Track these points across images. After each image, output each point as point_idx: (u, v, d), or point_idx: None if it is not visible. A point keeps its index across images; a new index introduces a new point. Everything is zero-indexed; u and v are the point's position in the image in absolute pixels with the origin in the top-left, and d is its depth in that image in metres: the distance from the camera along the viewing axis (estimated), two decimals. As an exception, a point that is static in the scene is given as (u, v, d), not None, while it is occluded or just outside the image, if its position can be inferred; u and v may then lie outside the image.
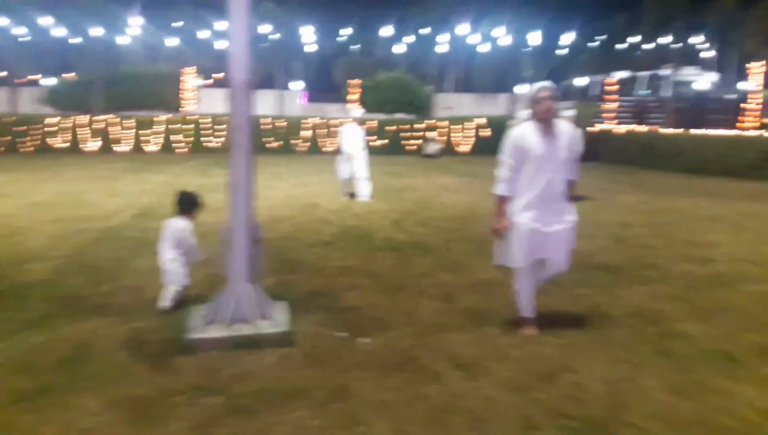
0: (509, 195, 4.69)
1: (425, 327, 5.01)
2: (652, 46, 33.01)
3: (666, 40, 32.03)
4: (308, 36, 31.69)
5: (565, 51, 35.02)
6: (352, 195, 12.18)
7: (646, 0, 29.40)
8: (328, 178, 14.42)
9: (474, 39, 30.56)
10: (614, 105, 23.64)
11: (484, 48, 31.68)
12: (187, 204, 5.55)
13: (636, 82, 27.87)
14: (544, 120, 4.58)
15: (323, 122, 24.72)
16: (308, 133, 24.55)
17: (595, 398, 3.76)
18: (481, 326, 5.02)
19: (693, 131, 18.87)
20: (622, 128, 21.23)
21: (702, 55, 30.78)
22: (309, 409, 3.63)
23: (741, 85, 28.45)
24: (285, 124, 24.47)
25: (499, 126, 24.47)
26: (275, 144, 24.02)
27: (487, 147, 24.40)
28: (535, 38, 31.58)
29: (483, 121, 25.34)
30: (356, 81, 28.33)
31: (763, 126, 17.86)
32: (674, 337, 4.78)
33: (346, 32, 35.03)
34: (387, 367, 4.22)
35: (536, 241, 4.65)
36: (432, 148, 24.07)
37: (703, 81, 28.04)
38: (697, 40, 31.62)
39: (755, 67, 19.43)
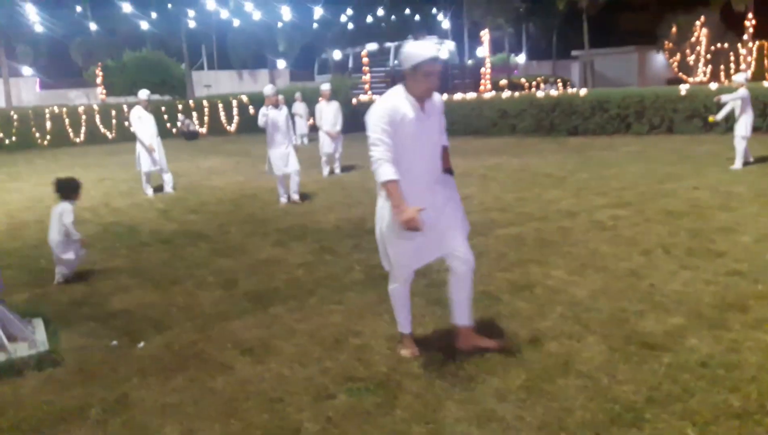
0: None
1: (207, 319, 4.79)
2: (396, 18, 35.17)
3: (408, 11, 34.35)
4: (33, 15, 27.93)
5: (318, 25, 35.69)
6: (156, 189, 11.00)
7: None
8: (79, 173, 12.99)
9: (226, 13, 29.59)
10: (368, 76, 24.75)
11: (238, 23, 30.87)
12: (65, 188, 6.02)
13: (387, 54, 29.50)
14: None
15: (67, 110, 22.18)
16: (49, 125, 21.84)
17: (379, 357, 3.94)
18: (266, 308, 4.95)
19: (443, 97, 20.54)
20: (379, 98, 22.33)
21: (441, 24, 33.63)
22: (87, 429, 3.27)
23: (479, 52, 31.70)
24: (14, 115, 21.41)
25: (261, 102, 24.16)
26: (7, 140, 20.99)
27: (252, 125, 24.04)
28: (286, 12, 31.63)
29: (245, 98, 24.85)
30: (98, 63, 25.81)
31: (500, 88, 20.23)
32: (441, 286, 5.17)
33: (81, 9, 31.51)
34: (169, 368, 3.96)
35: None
36: (187, 125, 22.97)
37: (443, 49, 30.67)
38: (434, 11, 34.39)
39: (484, 34, 21.73)
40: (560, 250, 6.07)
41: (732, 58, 30.31)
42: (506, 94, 19.18)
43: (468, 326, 3.97)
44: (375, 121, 3.52)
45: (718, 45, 30.23)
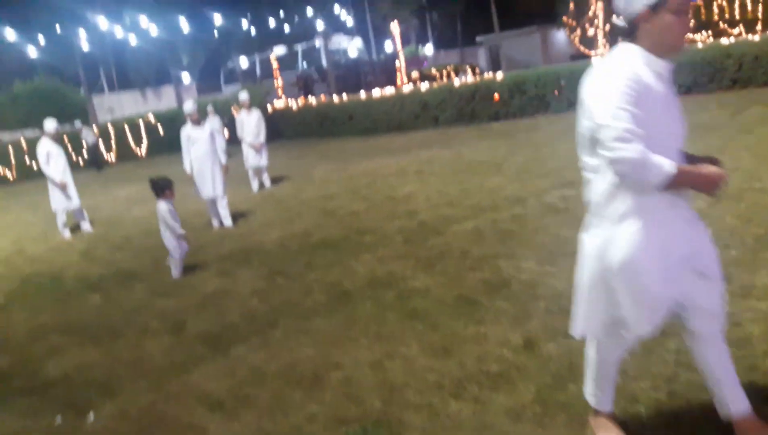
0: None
1: (160, 373, 4.24)
2: (299, 19, 34.55)
3: (311, 11, 33.78)
4: None
5: (219, 33, 34.61)
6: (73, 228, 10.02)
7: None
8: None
9: (121, 32, 28.08)
10: (280, 81, 24.14)
11: (135, 40, 29.38)
12: (157, 188, 6.48)
13: (295, 56, 28.95)
14: None
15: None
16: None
17: (368, 390, 3.54)
18: (226, 350, 4.44)
19: (361, 95, 20.27)
20: (296, 103, 21.83)
21: (346, 22, 33.31)
22: None
23: (388, 47, 31.59)
24: None
25: (170, 122, 23.04)
26: None
27: (164, 145, 22.83)
28: (185, 25, 30.44)
29: (152, 118, 23.61)
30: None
31: (413, 80, 20.11)
32: (412, 296, 4.86)
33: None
34: (129, 441, 3.42)
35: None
36: (85, 136, 21.56)
37: (351, 47, 30.41)
38: (336, 9, 33.98)
39: (395, 27, 21.58)
40: (523, 240, 5.86)
41: (627, 29, 31.53)
42: (425, 85, 19.09)
43: (746, 413, 2.58)
44: (616, 102, 2.18)
45: (614, 17, 31.39)
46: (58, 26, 26.41)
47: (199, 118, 8.72)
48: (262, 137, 11.51)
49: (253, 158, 11.54)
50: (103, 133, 22.85)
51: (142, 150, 23.37)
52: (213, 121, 16.52)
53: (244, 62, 30.24)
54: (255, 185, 11.61)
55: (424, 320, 4.33)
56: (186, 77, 34.66)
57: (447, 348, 3.86)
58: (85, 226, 10.07)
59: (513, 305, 4.40)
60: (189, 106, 8.68)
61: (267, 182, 11.81)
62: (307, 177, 12.11)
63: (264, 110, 19.66)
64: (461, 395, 3.32)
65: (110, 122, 23.90)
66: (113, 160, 22.72)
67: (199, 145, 8.55)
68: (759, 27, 26.56)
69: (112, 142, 22.91)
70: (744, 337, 3.46)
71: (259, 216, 9.13)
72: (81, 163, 21.81)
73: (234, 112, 11.16)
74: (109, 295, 6.29)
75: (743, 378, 3.06)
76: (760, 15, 28.46)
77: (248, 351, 4.38)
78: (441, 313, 4.42)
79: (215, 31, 34.57)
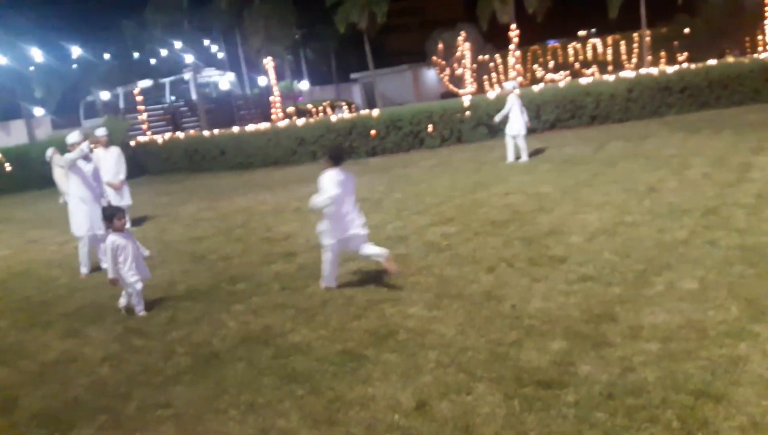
0: None
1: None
2: (167, 52, 33.09)
3: (179, 45, 32.48)
4: None
5: (78, 66, 32.33)
6: None
7: (150, 7, 29.03)
8: None
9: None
10: (145, 115, 22.77)
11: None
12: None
13: (162, 90, 27.55)
14: None
15: None
16: None
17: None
18: (66, 432, 3.69)
19: (234, 129, 19.50)
20: (161, 137, 20.61)
21: (217, 56, 32.35)
22: None
23: (262, 81, 30.93)
24: None
25: (21, 157, 20.93)
26: None
27: (11, 183, 20.63)
28: (38, 55, 28.09)
29: (-2, 155, 21.27)
30: None
31: (288, 115, 19.64)
32: (292, 353, 4.37)
33: None
34: None
35: None
36: None
37: (223, 80, 29.51)
38: (207, 42, 32.99)
39: (268, 62, 21.11)
40: (407, 281, 5.57)
41: (492, 68, 33.35)
42: (301, 121, 18.71)
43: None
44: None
45: (480, 57, 33.05)
46: None
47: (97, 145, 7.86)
48: (123, 175, 10.54)
49: (113, 198, 10.49)
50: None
51: (-14, 189, 20.92)
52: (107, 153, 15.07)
53: (105, 95, 28.31)
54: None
55: (304, 383, 3.85)
56: (39, 111, 31.87)
57: (331, 417, 3.41)
58: None
59: (401, 358, 4.05)
60: (73, 136, 7.79)
61: (127, 224, 10.76)
62: (174, 216, 11.20)
63: (126, 145, 18.36)
64: (349, 476, 2.88)
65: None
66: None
67: (88, 177, 7.65)
68: (610, 68, 28.99)
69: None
70: (639, 384, 3.33)
71: (117, 263, 8.17)
72: None
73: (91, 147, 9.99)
74: None
75: (644, 431, 2.89)
76: (609, 57, 31.13)
77: (95, 432, 3.67)
78: (324, 372, 3.96)
79: (74, 63, 32.31)
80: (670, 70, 15.71)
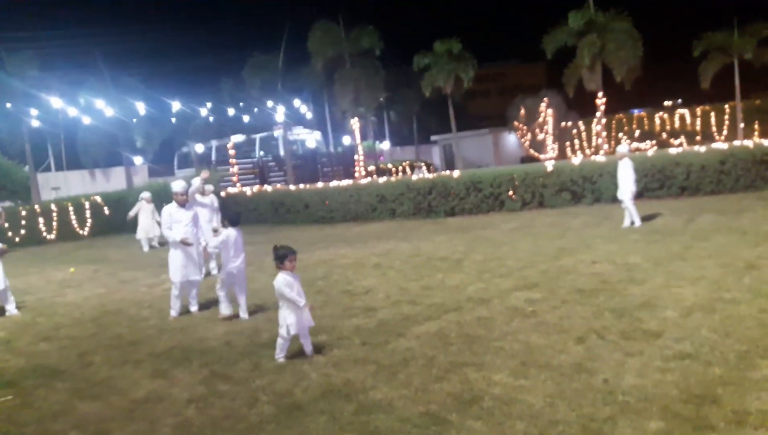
0: None
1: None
2: (258, 110, 34.81)
3: (271, 103, 34.15)
4: None
5: (176, 119, 34.49)
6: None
7: (248, 67, 30.82)
8: None
9: (74, 111, 27.48)
10: (235, 168, 23.91)
11: (88, 120, 28.78)
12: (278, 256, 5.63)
13: (253, 145, 28.88)
14: None
15: None
16: None
17: None
18: (153, 472, 3.78)
19: (318, 185, 20.13)
20: (250, 190, 21.52)
21: (306, 115, 33.70)
22: None
23: (345, 140, 31.93)
24: None
25: (117, 202, 22.37)
26: None
27: (108, 226, 22.04)
28: (142, 108, 30.23)
29: (99, 199, 22.79)
30: None
31: (369, 174, 20.14)
32: (373, 411, 4.33)
33: None
34: None
35: None
36: None
37: (310, 138, 30.62)
38: (298, 102, 34.50)
39: (354, 123, 21.87)
40: (491, 347, 5.45)
41: (575, 135, 33.07)
42: (383, 179, 19.07)
43: None
44: None
45: (563, 124, 32.89)
46: (8, 103, 25.65)
47: (186, 200, 8.32)
48: (215, 223, 11.04)
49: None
50: (45, 211, 21.83)
51: (85, 230, 22.36)
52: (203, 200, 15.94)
53: (199, 147, 29.95)
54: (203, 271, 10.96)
55: None
56: (138, 159, 34.03)
57: (416, 480, 3.33)
58: (10, 309, 9.19)
59: (487, 426, 3.93)
60: (178, 185, 8.30)
61: (214, 270, 11.19)
62: (259, 265, 11.50)
63: (218, 195, 19.23)
64: None
65: (54, 201, 22.88)
66: (53, 237, 21.60)
67: (182, 226, 8.10)
68: (699, 138, 28.11)
69: (54, 222, 21.85)
70: (751, 475, 3.07)
71: (203, 308, 8.45)
72: (16, 239, 20.62)
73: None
74: (24, 395, 5.50)
75: None
76: (698, 128, 30.24)
77: (181, 475, 3.73)
78: (407, 433, 3.90)
79: (173, 117, 34.49)
80: (767, 142, 15.03)
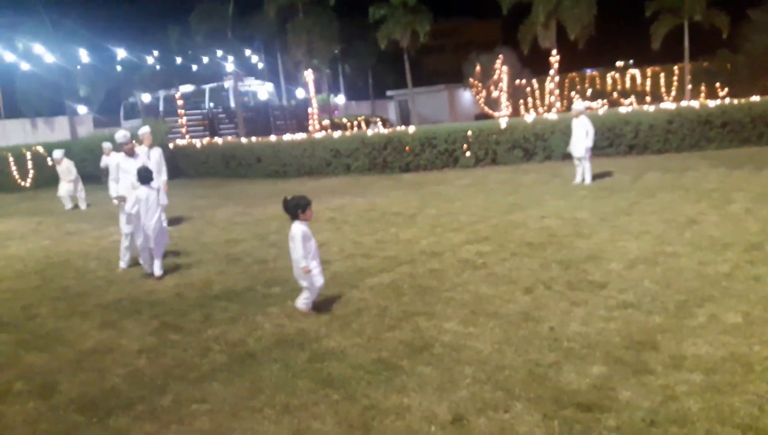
0: None
1: (18, 451, 3.48)
2: (208, 59, 33.72)
3: (220, 52, 33.12)
4: None
5: (122, 67, 33.12)
6: None
7: (195, 14, 29.69)
8: None
9: (9, 56, 26.00)
10: (184, 120, 23.22)
11: (26, 66, 27.31)
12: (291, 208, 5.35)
13: (202, 95, 28.06)
14: None
15: None
16: None
17: (276, 475, 3.01)
18: (104, 420, 3.76)
19: (271, 138, 19.78)
20: (199, 142, 20.99)
21: (257, 66, 32.88)
22: None
23: (299, 93, 31.32)
24: None
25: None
26: None
27: (52, 177, 21.19)
28: (85, 55, 28.85)
29: (41, 149, 21.87)
30: None
31: (324, 128, 19.85)
32: (326, 358, 4.38)
33: None
34: None
35: None
36: None
37: (262, 90, 29.94)
38: (249, 52, 33.55)
39: (308, 75, 21.41)
40: (442, 297, 5.55)
41: (529, 92, 33.33)
42: (338, 133, 18.88)
43: None
44: None
45: (517, 81, 33.06)
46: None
47: (133, 148, 8.02)
48: (165, 176, 10.71)
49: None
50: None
51: (27, 182, 21.50)
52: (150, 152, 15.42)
53: (146, 97, 28.94)
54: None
55: (339, 389, 3.86)
56: (83, 109, 32.67)
57: (366, 424, 3.41)
58: None
59: (437, 371, 4.03)
60: (121, 135, 8.02)
61: (164, 223, 10.94)
62: (210, 219, 11.35)
63: (165, 147, 18.70)
64: (386, 483, 2.87)
65: (-8, 151, 21.85)
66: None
67: (130, 177, 7.77)
68: (649, 99, 28.73)
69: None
70: (682, 413, 3.27)
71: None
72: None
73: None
74: (-36, 349, 5.34)
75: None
76: (648, 88, 30.87)
77: (131, 421, 3.72)
78: (359, 380, 3.97)
79: (118, 65, 33.11)
80: (712, 104, 15.49)
